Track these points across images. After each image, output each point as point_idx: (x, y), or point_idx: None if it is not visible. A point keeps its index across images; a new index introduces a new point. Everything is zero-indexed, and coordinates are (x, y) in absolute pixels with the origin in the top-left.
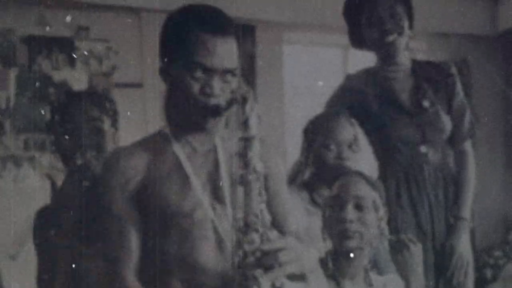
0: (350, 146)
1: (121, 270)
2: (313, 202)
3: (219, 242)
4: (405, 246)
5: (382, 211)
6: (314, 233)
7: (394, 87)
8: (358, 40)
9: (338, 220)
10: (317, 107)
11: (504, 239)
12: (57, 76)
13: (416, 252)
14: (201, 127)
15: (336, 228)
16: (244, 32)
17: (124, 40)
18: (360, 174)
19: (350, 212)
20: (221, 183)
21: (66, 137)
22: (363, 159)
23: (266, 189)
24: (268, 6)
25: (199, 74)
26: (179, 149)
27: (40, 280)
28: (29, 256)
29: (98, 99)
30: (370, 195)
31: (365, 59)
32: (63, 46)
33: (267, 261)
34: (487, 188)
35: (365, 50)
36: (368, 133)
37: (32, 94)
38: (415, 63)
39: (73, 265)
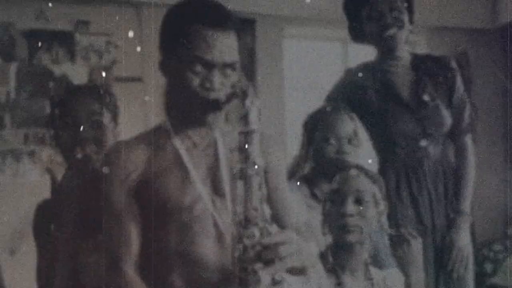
0: (350, 140)
1: (121, 264)
2: (313, 196)
3: (219, 236)
4: (405, 240)
5: (382, 205)
6: (314, 227)
7: (394, 81)
8: (358, 34)
9: (338, 214)
10: (317, 102)
11: (504, 233)
12: (57, 70)
13: (416, 246)
14: (201, 121)
15: (336, 222)
16: (244, 26)
17: (124, 34)
18: (360, 168)
19: (350, 206)
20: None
21: (66, 131)
22: (363, 153)
23: (266, 183)
24: (268, 0)
25: (199, 68)
26: (179, 143)
27: (40, 274)
28: (29, 251)
29: (98, 93)
30: (370, 189)
31: (365, 53)
32: (63, 40)
33: (267, 255)
34: (487, 182)
35: (365, 44)
36: (368, 127)
37: (32, 88)
38: (415, 57)
39: (73, 259)
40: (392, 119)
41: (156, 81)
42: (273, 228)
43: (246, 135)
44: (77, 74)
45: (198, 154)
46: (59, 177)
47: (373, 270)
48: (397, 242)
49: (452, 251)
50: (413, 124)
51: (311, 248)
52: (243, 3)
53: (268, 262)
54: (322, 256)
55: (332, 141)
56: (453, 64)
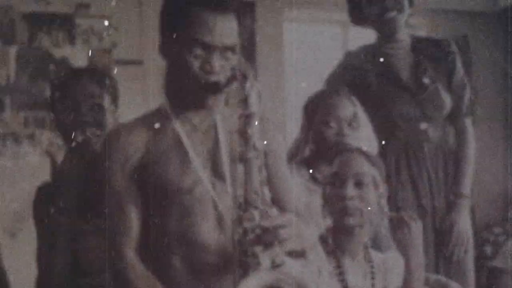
0: (350, 123)
1: (121, 247)
2: (313, 179)
3: (219, 219)
4: (405, 223)
5: (382, 188)
6: (314, 210)
7: (394, 64)
8: (358, 17)
9: (338, 197)
10: (317, 84)
11: (504, 216)
12: (57, 53)
13: (416, 229)
14: (201, 104)
15: (336, 205)
16: (244, 9)
17: (125, 17)
18: (360, 151)
19: (350, 189)
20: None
21: (66, 114)
22: (363, 136)
23: (266, 166)
24: None
25: (199, 51)
26: (179, 126)
27: (40, 257)
28: (29, 233)
29: (98, 76)
30: (370, 172)
31: (365, 36)
32: (63, 23)
33: (267, 238)
34: (487, 165)
35: (365, 27)
36: (368, 110)
37: (32, 71)
38: (415, 40)
39: (73, 242)
40: (392, 102)
41: (156, 64)
42: (273, 211)
43: (246, 118)
44: (77, 57)
45: (198, 137)
46: (59, 160)
47: (373, 253)
48: (397, 225)
49: (452, 234)
50: (413, 107)
51: (311, 231)
52: None
53: (268, 245)
54: (322, 239)
55: (332, 123)
56: (453, 47)
